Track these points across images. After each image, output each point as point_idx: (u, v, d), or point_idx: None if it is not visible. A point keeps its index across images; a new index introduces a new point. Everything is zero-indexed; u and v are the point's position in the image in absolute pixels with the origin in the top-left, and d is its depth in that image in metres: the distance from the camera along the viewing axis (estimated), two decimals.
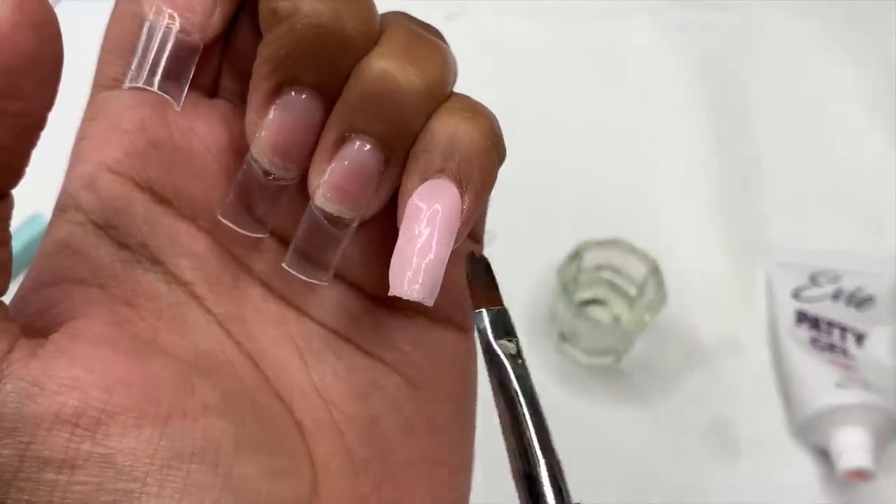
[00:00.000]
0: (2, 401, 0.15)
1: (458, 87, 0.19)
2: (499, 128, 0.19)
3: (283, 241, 0.20)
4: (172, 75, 0.17)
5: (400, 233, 0.18)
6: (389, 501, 0.19)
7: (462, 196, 0.18)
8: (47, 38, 0.14)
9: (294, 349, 0.20)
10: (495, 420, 0.18)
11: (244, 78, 0.18)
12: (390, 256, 0.18)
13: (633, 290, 0.50)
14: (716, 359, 0.51)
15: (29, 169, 0.16)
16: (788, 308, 0.52)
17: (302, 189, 0.19)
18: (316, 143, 0.18)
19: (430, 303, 0.18)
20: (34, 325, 0.17)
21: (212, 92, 0.20)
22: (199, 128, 0.19)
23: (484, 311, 0.17)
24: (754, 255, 0.55)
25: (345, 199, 0.18)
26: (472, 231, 0.20)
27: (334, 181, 0.18)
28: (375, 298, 0.20)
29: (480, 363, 0.20)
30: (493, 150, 0.18)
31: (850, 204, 0.59)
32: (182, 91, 0.18)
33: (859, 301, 0.52)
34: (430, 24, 0.20)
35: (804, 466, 0.47)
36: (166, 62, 0.17)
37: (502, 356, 0.16)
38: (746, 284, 0.54)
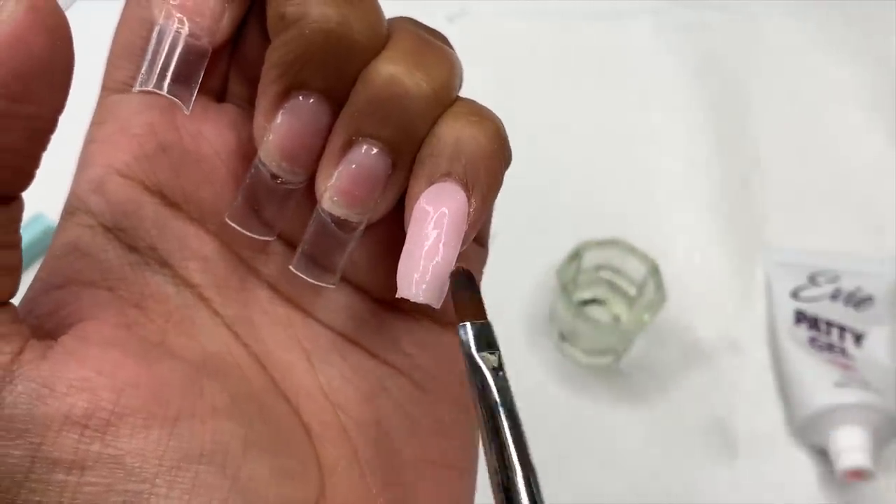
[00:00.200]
0: (13, 402, 0.15)
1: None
2: (505, 131, 0.19)
3: (291, 245, 0.20)
4: (182, 79, 0.17)
5: (407, 236, 0.18)
6: (395, 503, 0.19)
7: (469, 199, 0.18)
8: (59, 42, 0.14)
9: (301, 351, 0.20)
10: None
11: (252, 82, 0.18)
12: (397, 260, 0.18)
13: (632, 290, 0.50)
14: (715, 358, 0.51)
15: None
16: (787, 308, 0.52)
17: (309, 192, 0.19)
18: (323, 147, 0.18)
19: (437, 305, 0.18)
20: (43, 326, 0.17)
21: (220, 96, 0.20)
22: (208, 132, 0.19)
23: (468, 324, 0.17)
24: (753, 255, 0.56)
25: (352, 202, 0.18)
26: (478, 234, 0.20)
27: (341, 185, 0.18)
28: (382, 301, 0.21)
29: None
30: (499, 153, 0.18)
31: (849, 204, 0.59)
32: (191, 95, 0.18)
33: (858, 301, 0.52)
34: (436, 29, 0.20)
35: (803, 466, 0.47)
36: (176, 66, 0.17)
37: (484, 368, 0.17)
38: (746, 284, 0.54)
